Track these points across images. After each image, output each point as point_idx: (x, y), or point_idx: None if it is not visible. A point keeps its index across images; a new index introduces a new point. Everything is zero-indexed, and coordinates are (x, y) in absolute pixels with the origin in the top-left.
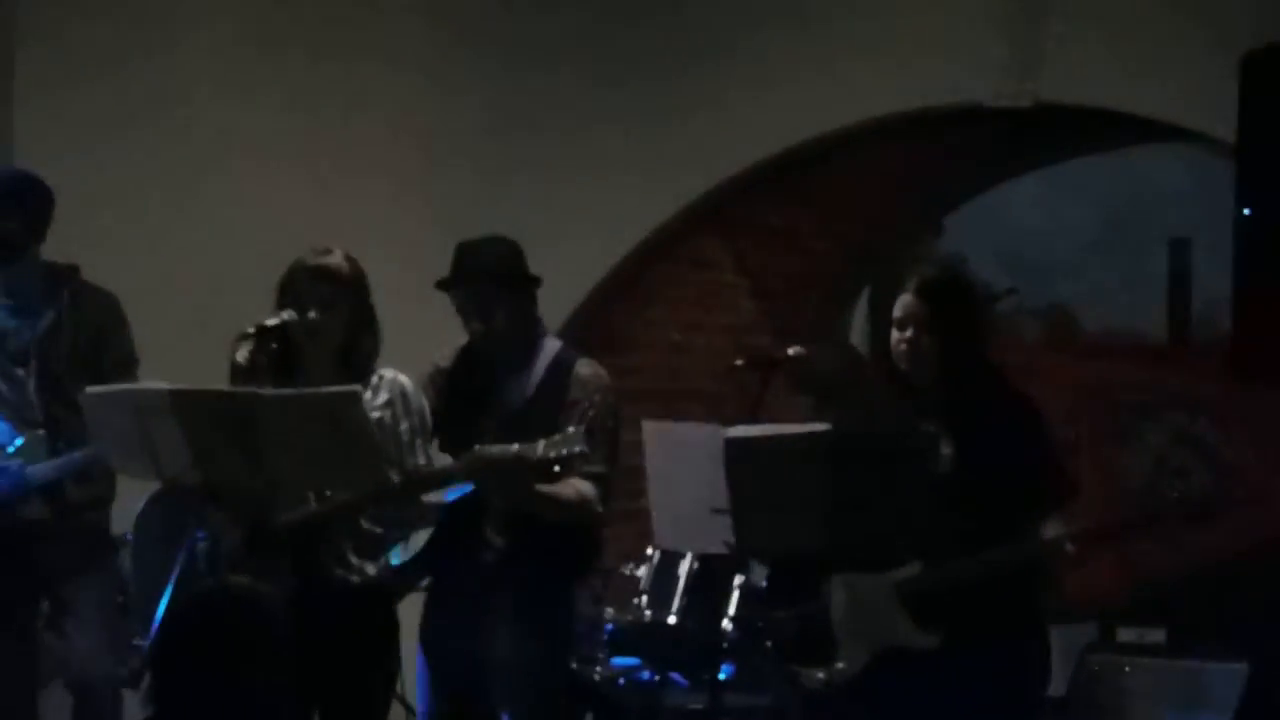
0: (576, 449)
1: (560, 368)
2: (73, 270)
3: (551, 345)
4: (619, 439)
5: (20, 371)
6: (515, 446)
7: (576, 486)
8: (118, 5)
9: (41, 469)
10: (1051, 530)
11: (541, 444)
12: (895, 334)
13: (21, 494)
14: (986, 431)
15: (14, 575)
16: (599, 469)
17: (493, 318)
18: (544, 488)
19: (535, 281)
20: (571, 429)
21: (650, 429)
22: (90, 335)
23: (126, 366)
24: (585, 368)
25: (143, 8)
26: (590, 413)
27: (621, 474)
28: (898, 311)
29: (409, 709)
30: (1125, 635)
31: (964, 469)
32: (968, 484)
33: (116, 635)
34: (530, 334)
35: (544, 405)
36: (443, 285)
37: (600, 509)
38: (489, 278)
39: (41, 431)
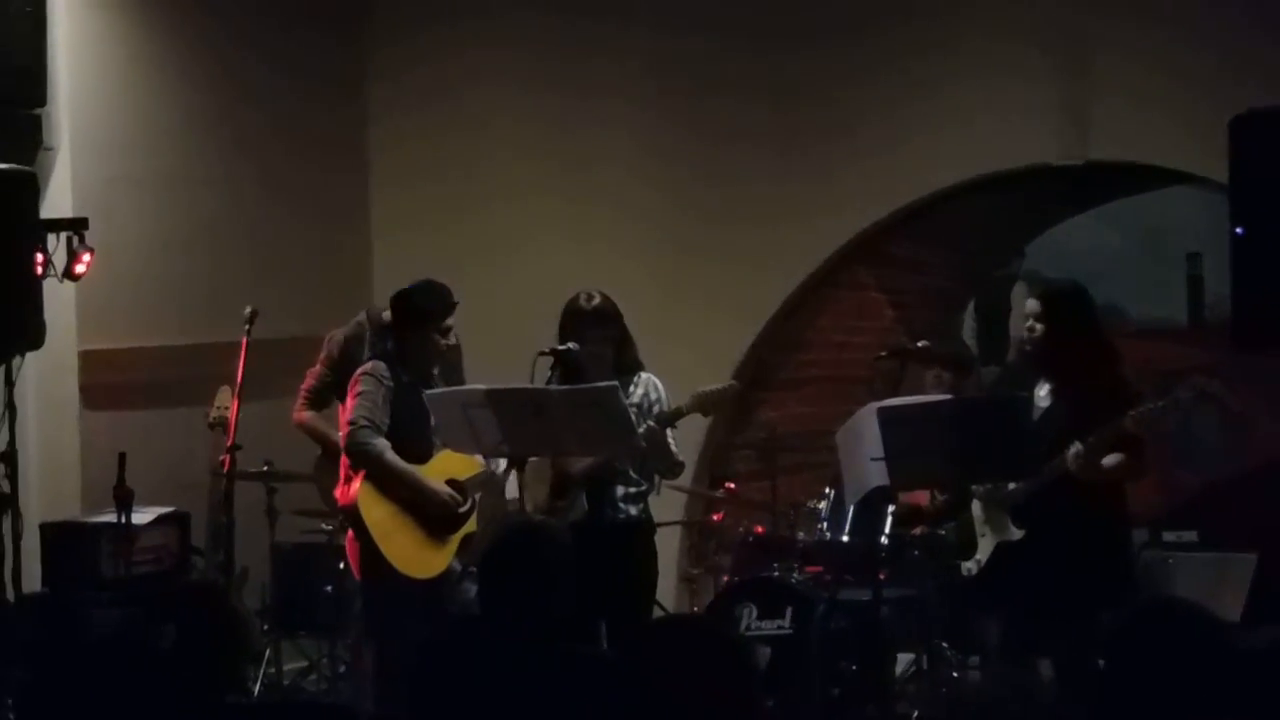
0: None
1: None
2: None
3: None
4: None
5: None
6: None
7: None
8: (448, 126)
9: None
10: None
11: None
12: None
13: None
14: (1080, 386)
15: None
16: None
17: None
18: None
19: None
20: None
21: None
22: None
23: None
24: None
25: (466, 131)
26: None
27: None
28: (1026, 310)
29: (664, 610)
30: (1168, 537)
31: (1052, 414)
32: (1053, 424)
33: None
34: None
35: None
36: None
37: None
38: None
39: None
